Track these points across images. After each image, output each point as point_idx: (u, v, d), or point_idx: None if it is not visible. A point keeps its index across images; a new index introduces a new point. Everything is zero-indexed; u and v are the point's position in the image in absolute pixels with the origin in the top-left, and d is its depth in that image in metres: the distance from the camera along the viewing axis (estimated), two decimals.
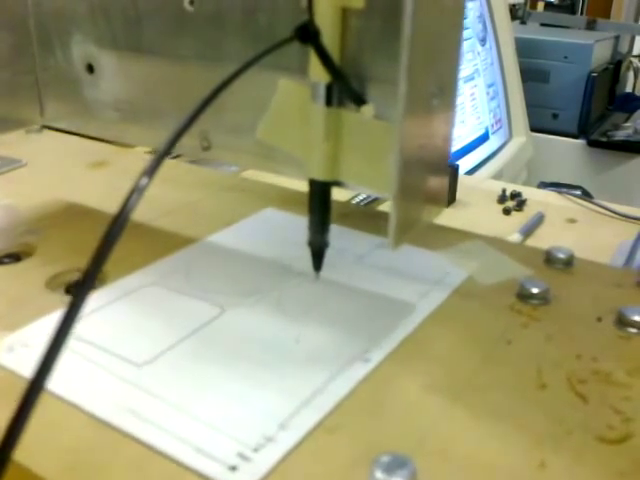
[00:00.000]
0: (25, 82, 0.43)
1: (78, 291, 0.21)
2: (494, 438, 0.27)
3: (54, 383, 0.29)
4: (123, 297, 0.36)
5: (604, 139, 1.61)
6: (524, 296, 0.37)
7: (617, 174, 1.60)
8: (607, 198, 0.81)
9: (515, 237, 0.67)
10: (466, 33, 1.16)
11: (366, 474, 0.24)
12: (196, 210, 0.49)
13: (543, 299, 0.37)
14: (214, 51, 0.36)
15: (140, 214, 0.46)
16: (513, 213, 0.74)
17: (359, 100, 0.30)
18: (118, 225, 0.22)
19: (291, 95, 0.32)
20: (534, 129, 1.43)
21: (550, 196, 0.81)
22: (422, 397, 0.29)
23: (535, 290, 0.37)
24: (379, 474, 0.24)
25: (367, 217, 0.49)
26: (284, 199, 0.51)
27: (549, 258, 0.41)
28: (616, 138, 1.60)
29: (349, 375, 0.30)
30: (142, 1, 0.38)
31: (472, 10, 1.19)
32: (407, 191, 0.29)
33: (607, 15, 2.87)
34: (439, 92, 0.29)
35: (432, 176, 0.32)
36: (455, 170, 0.69)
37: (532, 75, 1.56)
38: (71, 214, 0.48)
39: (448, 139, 0.32)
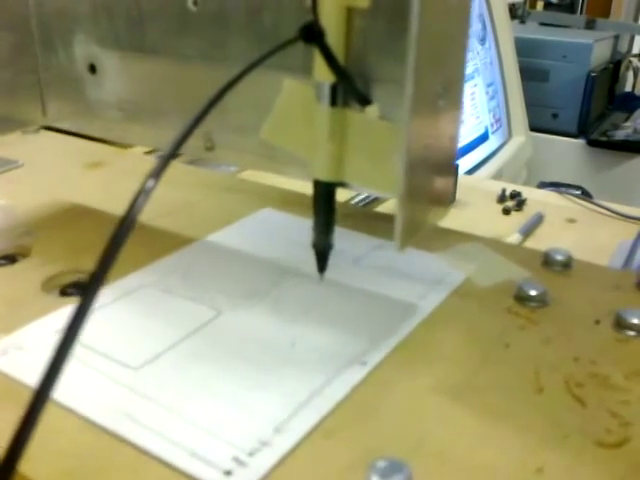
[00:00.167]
0: (27, 82, 0.43)
1: (85, 294, 0.21)
2: (491, 442, 0.27)
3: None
4: (119, 299, 0.36)
5: (604, 139, 1.61)
6: (522, 298, 0.37)
7: (617, 174, 1.59)
8: (607, 198, 0.80)
9: (515, 237, 0.67)
10: None
11: (362, 479, 0.24)
12: (194, 211, 0.49)
13: (541, 301, 0.36)
14: (218, 51, 0.36)
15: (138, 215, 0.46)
16: (513, 213, 0.74)
17: (364, 100, 0.30)
18: (125, 227, 0.22)
19: (295, 95, 0.32)
20: (534, 129, 1.43)
21: (550, 196, 0.81)
22: (419, 400, 0.29)
23: (533, 292, 0.36)
24: (375, 479, 0.24)
25: (365, 218, 0.49)
26: (282, 200, 0.50)
27: (547, 260, 0.41)
28: (616, 138, 1.60)
29: (346, 378, 0.30)
30: (145, 1, 0.37)
31: (471, 9, 1.19)
32: (413, 192, 0.29)
33: (607, 14, 2.86)
34: (445, 92, 0.29)
35: (438, 177, 0.32)
36: (455, 170, 0.69)
37: (531, 74, 1.56)
38: (68, 215, 0.47)
39: (454, 139, 0.32)
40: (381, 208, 0.68)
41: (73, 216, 0.47)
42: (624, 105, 1.83)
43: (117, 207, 0.47)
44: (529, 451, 0.26)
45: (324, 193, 0.32)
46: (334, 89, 0.30)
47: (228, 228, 0.46)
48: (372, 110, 0.30)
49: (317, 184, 0.32)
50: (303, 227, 0.47)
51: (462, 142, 1.12)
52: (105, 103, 0.42)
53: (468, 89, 1.16)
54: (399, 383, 0.30)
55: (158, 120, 0.40)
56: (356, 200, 0.68)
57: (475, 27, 1.21)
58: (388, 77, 0.30)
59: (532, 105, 1.43)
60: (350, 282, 0.39)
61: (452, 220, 0.47)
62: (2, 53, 0.42)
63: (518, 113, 1.35)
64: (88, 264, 0.39)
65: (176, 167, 0.58)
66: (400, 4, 0.28)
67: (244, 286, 0.38)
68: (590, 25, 1.92)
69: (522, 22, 1.99)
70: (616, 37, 1.81)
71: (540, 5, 2.54)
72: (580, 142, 1.63)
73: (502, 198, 0.77)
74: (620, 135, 1.60)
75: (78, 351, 0.31)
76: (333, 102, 0.30)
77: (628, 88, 2.01)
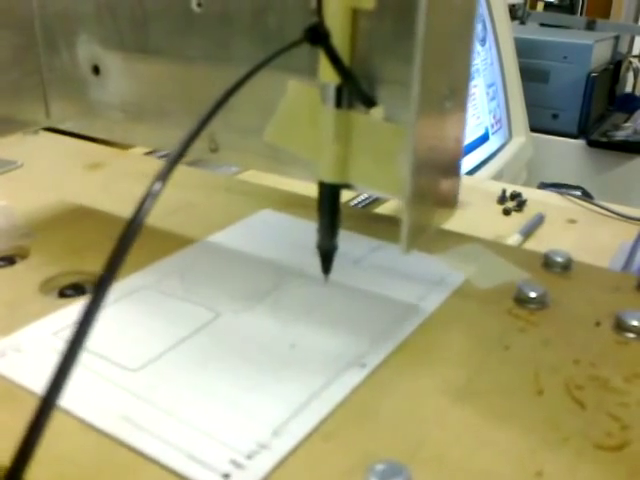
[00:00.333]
0: (31, 83, 0.43)
1: (92, 297, 0.20)
2: (491, 445, 0.26)
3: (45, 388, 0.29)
4: (118, 300, 0.36)
5: (604, 139, 1.61)
6: (522, 300, 0.36)
7: (617, 174, 1.59)
8: (607, 198, 0.80)
9: (515, 238, 0.67)
10: None
11: None
12: (194, 212, 0.49)
13: (541, 303, 0.36)
14: (222, 52, 0.36)
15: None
16: (513, 214, 0.74)
17: (369, 102, 0.30)
18: (132, 230, 0.22)
19: (300, 97, 0.32)
20: (534, 129, 1.43)
21: (550, 197, 0.81)
22: (418, 403, 0.29)
23: (533, 294, 0.36)
24: None
25: (365, 219, 0.49)
26: (282, 201, 0.50)
27: (547, 262, 0.41)
28: (616, 138, 1.60)
29: (345, 381, 0.30)
30: (149, 2, 0.37)
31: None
32: (419, 194, 0.29)
33: (607, 15, 2.86)
34: (451, 94, 0.29)
35: (444, 178, 0.31)
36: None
37: (532, 75, 1.56)
38: (67, 216, 0.47)
39: (460, 141, 0.32)
40: (381, 209, 0.68)
41: (72, 217, 0.47)
42: (624, 106, 1.83)
43: (117, 208, 0.48)
44: (529, 454, 0.26)
45: (329, 194, 0.32)
46: (339, 90, 0.30)
47: (228, 229, 0.45)
48: (377, 112, 0.30)
49: (322, 185, 0.32)
50: (303, 228, 0.47)
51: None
52: (109, 104, 0.42)
53: None
54: (398, 385, 0.30)
55: (162, 121, 0.40)
56: (355, 202, 0.68)
57: (475, 28, 1.21)
58: (393, 78, 0.30)
59: (532, 106, 1.43)
60: (350, 284, 0.38)
61: (452, 221, 0.46)
62: (5, 54, 0.42)
63: (518, 114, 1.34)
64: (87, 265, 0.40)
65: (176, 168, 0.58)
66: (405, 5, 0.28)
67: (244, 287, 0.38)
68: (590, 26, 1.92)
69: (522, 23, 1.99)
70: (616, 38, 1.81)
71: (540, 6, 2.54)
72: (580, 143, 1.63)
73: (502, 199, 0.77)
74: (620, 136, 1.60)
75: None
76: (338, 103, 0.30)
77: (628, 89, 2.01)
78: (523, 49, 1.46)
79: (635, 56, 2.05)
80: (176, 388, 0.29)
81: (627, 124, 1.66)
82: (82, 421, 0.27)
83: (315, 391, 0.29)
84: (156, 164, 0.62)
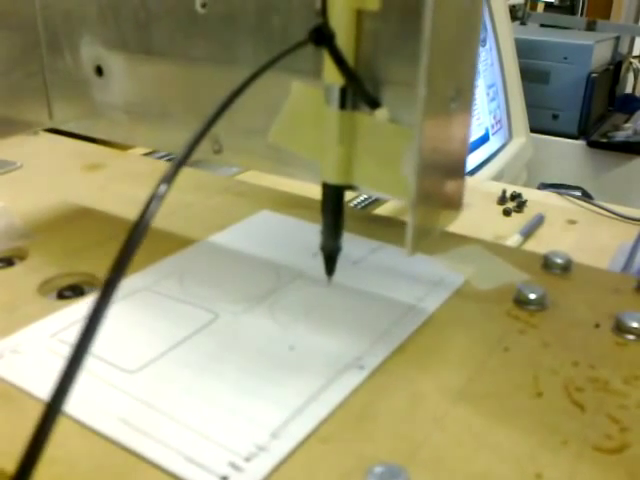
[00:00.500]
0: (33, 84, 0.43)
1: (97, 301, 0.20)
2: (489, 447, 0.26)
3: (42, 390, 0.29)
4: (116, 302, 0.36)
5: (604, 140, 1.61)
6: (521, 302, 0.36)
7: (617, 175, 1.59)
8: (607, 199, 0.81)
9: (515, 238, 0.67)
10: None
11: None
12: (192, 213, 0.48)
13: (540, 305, 0.36)
14: (226, 53, 0.36)
15: (134, 217, 0.45)
16: (513, 214, 0.74)
17: (373, 103, 0.30)
18: (139, 233, 0.22)
19: (304, 98, 0.32)
20: (534, 130, 1.43)
21: (550, 197, 0.81)
22: (417, 405, 0.29)
23: (532, 296, 0.36)
24: None
25: (364, 220, 0.49)
26: (281, 202, 0.50)
27: (547, 263, 0.41)
28: (616, 139, 1.60)
29: (343, 383, 0.30)
30: (152, 3, 0.37)
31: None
32: (424, 196, 0.29)
33: (607, 16, 2.86)
34: (457, 95, 0.29)
35: (449, 180, 0.31)
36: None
37: (532, 76, 1.56)
38: (66, 217, 0.47)
39: (465, 142, 0.32)
40: (380, 210, 0.68)
41: (71, 218, 0.47)
42: (624, 106, 1.83)
43: (116, 209, 0.48)
44: (528, 456, 0.26)
45: (333, 196, 0.32)
46: (343, 92, 0.30)
47: (226, 230, 0.45)
48: (382, 113, 0.30)
49: (326, 187, 0.32)
50: (303, 229, 0.47)
51: None
52: (112, 105, 0.42)
53: None
54: (397, 387, 0.30)
55: (165, 122, 0.40)
56: (355, 202, 0.68)
57: None
58: (398, 79, 0.30)
59: (532, 106, 1.43)
60: (349, 285, 0.38)
61: None
62: (8, 55, 0.42)
63: (519, 114, 1.34)
64: (86, 267, 0.40)
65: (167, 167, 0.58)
66: (410, 6, 0.28)
67: (243, 289, 0.38)
68: (591, 26, 1.92)
69: (523, 23, 1.99)
70: (616, 38, 1.81)
71: (541, 6, 2.54)
72: (580, 143, 1.63)
73: (503, 199, 0.77)
74: (620, 136, 1.60)
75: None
76: (342, 105, 0.30)
77: (628, 89, 2.01)
78: (523, 50, 1.46)
79: (635, 57, 2.05)
80: (174, 390, 0.29)
81: (627, 125, 1.66)
82: (79, 423, 0.27)
83: (314, 393, 0.29)
84: (155, 165, 0.62)
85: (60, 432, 0.27)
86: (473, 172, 1.11)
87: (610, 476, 0.25)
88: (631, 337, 0.34)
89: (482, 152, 1.20)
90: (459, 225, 0.46)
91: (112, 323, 0.34)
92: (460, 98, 0.29)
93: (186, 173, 0.62)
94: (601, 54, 1.68)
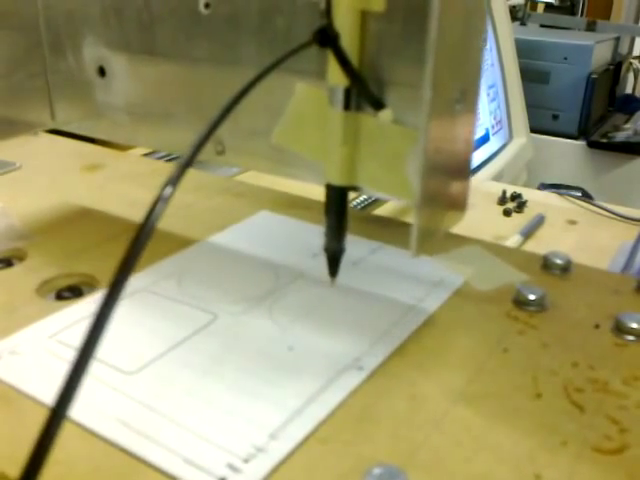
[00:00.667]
0: (36, 85, 0.43)
1: (102, 305, 0.20)
2: (488, 449, 0.26)
3: (40, 391, 0.29)
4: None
5: (604, 140, 1.60)
6: (521, 302, 0.36)
7: (617, 175, 1.59)
8: (607, 199, 0.81)
9: (515, 239, 0.67)
10: None
11: None
12: (191, 213, 0.48)
13: (540, 305, 0.36)
14: (229, 54, 0.36)
15: (133, 218, 0.45)
16: (513, 215, 0.74)
17: (378, 104, 0.30)
18: (144, 235, 0.22)
19: (308, 99, 0.32)
20: (534, 130, 1.43)
21: (550, 197, 0.81)
22: (416, 406, 0.29)
23: (532, 296, 0.36)
24: None
25: (363, 221, 0.49)
26: (280, 202, 0.50)
27: (546, 263, 0.41)
28: (616, 139, 1.60)
29: (342, 384, 0.30)
30: (156, 4, 0.37)
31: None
32: (429, 198, 0.28)
33: (607, 16, 2.86)
34: (462, 96, 0.29)
35: (454, 181, 0.31)
36: None
37: (532, 76, 1.56)
38: (65, 218, 0.47)
39: (470, 143, 0.31)
40: (379, 211, 0.68)
41: (70, 219, 0.47)
42: (625, 107, 1.82)
43: (115, 209, 0.48)
44: (527, 457, 0.26)
45: (337, 197, 0.32)
46: (348, 93, 0.29)
47: (225, 231, 0.45)
48: (386, 114, 0.30)
49: (330, 188, 0.32)
50: (302, 230, 0.47)
51: None
52: (114, 106, 0.41)
53: None
54: (396, 388, 0.30)
55: (168, 123, 0.40)
56: (354, 203, 0.68)
57: None
58: (403, 81, 0.30)
59: (533, 107, 1.43)
60: (348, 285, 0.38)
61: None
62: (10, 56, 0.41)
63: (519, 115, 1.34)
64: (85, 267, 0.40)
65: (171, 169, 0.58)
66: (415, 7, 0.28)
67: (242, 289, 0.38)
68: (591, 27, 1.92)
69: (523, 24, 1.99)
70: (617, 39, 1.81)
71: (541, 7, 2.54)
72: (580, 144, 1.63)
73: (503, 200, 0.77)
74: (620, 137, 1.60)
75: (71, 355, 0.31)
76: (347, 106, 0.30)
77: (629, 90, 2.01)
78: (523, 50, 1.46)
79: (635, 57, 2.05)
80: (173, 391, 0.29)
81: (627, 125, 1.66)
82: (78, 424, 0.27)
83: (312, 394, 0.29)
84: (155, 165, 0.62)
85: (59, 434, 0.27)
86: (473, 172, 1.11)
87: (609, 477, 0.25)
88: (631, 338, 0.34)
89: (482, 152, 1.20)
90: (459, 225, 0.46)
91: (110, 324, 0.34)
92: (465, 99, 0.29)
93: (186, 174, 0.62)
94: (601, 54, 1.68)
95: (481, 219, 0.72)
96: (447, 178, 0.31)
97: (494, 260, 0.42)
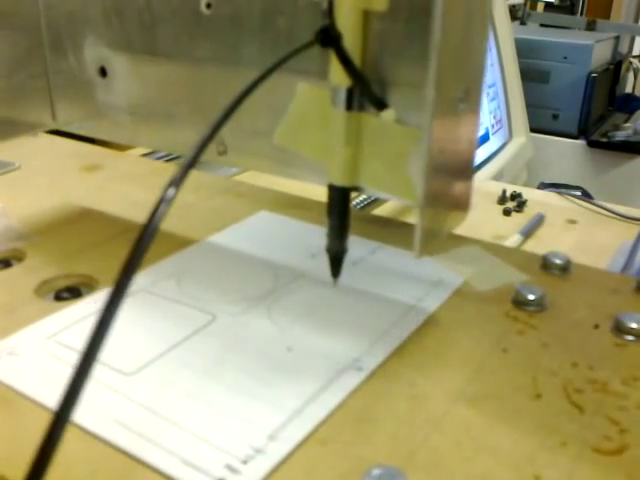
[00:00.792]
0: (37, 85, 0.43)
1: (105, 308, 0.20)
2: (488, 449, 0.26)
3: (39, 392, 0.29)
4: None
5: (604, 140, 1.60)
6: (520, 302, 0.36)
7: (617, 175, 1.59)
8: (607, 199, 0.80)
9: (515, 238, 0.67)
10: None
11: None
12: (191, 213, 0.48)
13: (539, 306, 0.36)
14: (231, 54, 0.36)
15: (133, 218, 0.45)
16: (513, 214, 0.74)
17: (380, 104, 0.30)
18: (148, 236, 0.22)
19: (310, 99, 0.31)
20: (534, 130, 1.43)
21: (550, 197, 0.81)
22: (415, 407, 0.29)
23: (531, 296, 0.36)
24: None
25: (363, 221, 0.49)
26: (279, 202, 0.50)
27: (546, 263, 0.41)
28: (616, 139, 1.59)
29: (341, 385, 0.30)
30: (157, 4, 0.37)
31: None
32: (433, 198, 0.28)
33: (607, 16, 2.86)
34: (465, 96, 0.29)
35: (457, 181, 0.31)
36: None
37: (532, 76, 1.56)
38: (64, 218, 0.47)
39: (473, 143, 0.31)
40: (379, 211, 0.68)
41: (69, 219, 0.47)
42: (624, 106, 1.82)
43: (114, 210, 0.48)
44: (527, 458, 0.26)
45: (339, 197, 0.32)
46: (350, 93, 0.29)
47: (225, 231, 0.45)
48: (388, 114, 0.30)
49: (332, 188, 0.32)
50: (300, 230, 0.47)
51: None
52: (115, 106, 0.41)
53: None
54: (396, 389, 0.30)
55: (169, 123, 0.40)
56: (354, 203, 0.68)
57: None
58: (405, 81, 0.30)
59: (532, 106, 1.43)
60: (348, 286, 0.38)
61: None
62: (11, 56, 0.41)
63: (519, 114, 1.34)
64: (84, 268, 0.40)
65: (170, 170, 0.58)
66: (418, 7, 0.28)
67: (241, 289, 0.38)
68: (590, 26, 1.91)
69: (522, 23, 1.99)
70: (616, 38, 1.81)
71: (540, 6, 2.54)
72: (580, 143, 1.62)
73: (503, 199, 0.77)
74: (620, 136, 1.60)
75: (70, 356, 0.31)
76: (349, 106, 0.30)
77: (628, 89, 2.00)
78: (523, 49, 1.45)
79: (635, 56, 2.05)
80: (172, 393, 0.29)
81: (627, 124, 1.66)
82: (77, 426, 0.27)
83: (312, 395, 0.29)
84: (154, 165, 0.61)
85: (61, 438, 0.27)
86: (473, 172, 1.11)
87: (609, 477, 0.25)
88: (630, 338, 0.34)
89: (482, 152, 1.20)
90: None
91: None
92: (468, 99, 0.29)
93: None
94: (601, 54, 1.68)
95: (481, 218, 0.72)
96: (450, 178, 0.30)
97: (494, 260, 0.42)
